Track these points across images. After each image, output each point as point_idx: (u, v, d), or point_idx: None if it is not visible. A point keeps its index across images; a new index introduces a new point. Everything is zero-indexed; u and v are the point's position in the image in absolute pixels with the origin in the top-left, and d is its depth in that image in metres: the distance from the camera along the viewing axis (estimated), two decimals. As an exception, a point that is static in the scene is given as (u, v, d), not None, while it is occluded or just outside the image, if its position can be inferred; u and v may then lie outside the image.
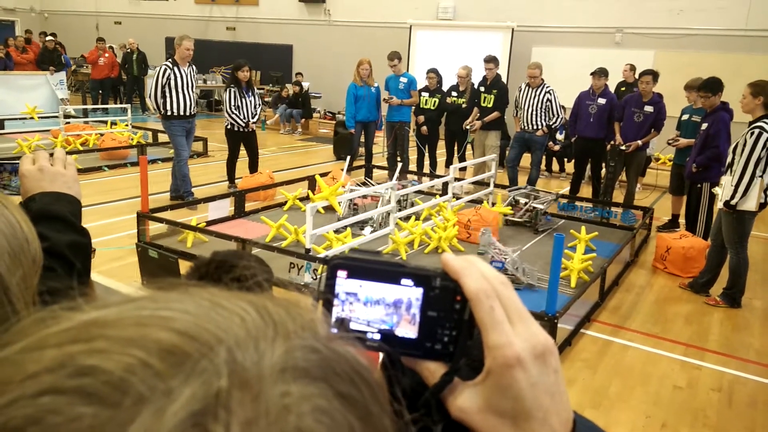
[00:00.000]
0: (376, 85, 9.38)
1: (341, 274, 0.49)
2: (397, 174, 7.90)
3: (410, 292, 0.49)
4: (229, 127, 8.22)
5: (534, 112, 8.66)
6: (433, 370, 0.49)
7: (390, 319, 0.49)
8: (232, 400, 0.29)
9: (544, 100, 8.59)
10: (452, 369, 0.49)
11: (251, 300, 0.36)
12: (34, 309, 0.69)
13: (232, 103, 8.06)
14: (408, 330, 0.49)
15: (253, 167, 8.64)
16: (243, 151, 8.48)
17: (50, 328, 0.33)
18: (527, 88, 8.74)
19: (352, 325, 0.49)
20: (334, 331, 0.38)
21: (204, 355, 0.31)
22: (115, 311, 0.34)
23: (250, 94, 8.20)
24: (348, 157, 8.40)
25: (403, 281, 0.49)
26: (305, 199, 7.48)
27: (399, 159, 9.63)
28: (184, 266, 4.47)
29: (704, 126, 6.61)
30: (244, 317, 0.34)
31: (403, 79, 9.47)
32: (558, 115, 8.71)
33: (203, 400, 0.29)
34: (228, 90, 8.11)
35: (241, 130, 8.19)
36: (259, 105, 8.47)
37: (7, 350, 0.32)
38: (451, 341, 0.49)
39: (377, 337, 0.49)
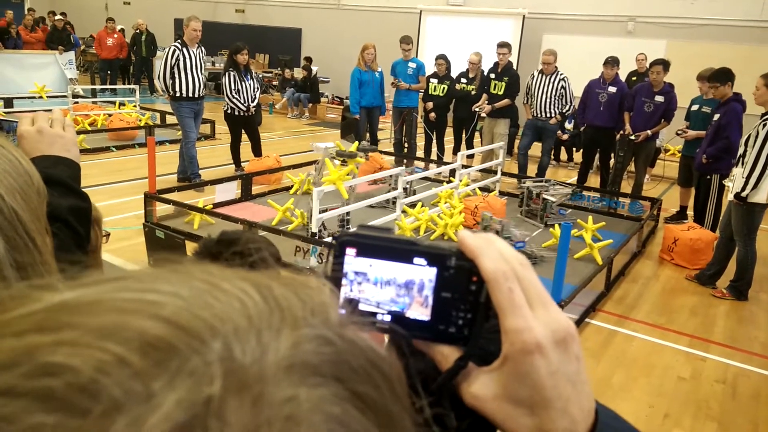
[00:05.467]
0: (380, 69, 9.28)
1: (350, 251, 0.46)
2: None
3: (423, 272, 0.46)
4: (228, 111, 8.14)
5: (548, 100, 8.60)
6: (447, 354, 0.47)
7: (401, 301, 0.47)
8: (227, 407, 0.25)
9: (559, 87, 8.53)
10: (467, 353, 0.46)
11: (254, 280, 0.31)
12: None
13: (232, 87, 7.98)
14: (420, 312, 0.47)
15: (257, 151, 8.59)
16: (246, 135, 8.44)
17: (12, 312, 0.27)
18: (540, 75, 8.66)
19: (361, 307, 0.46)
20: (343, 312, 0.33)
21: (195, 350, 0.26)
22: (91, 293, 0.28)
23: (249, 77, 8.14)
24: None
25: (416, 260, 0.46)
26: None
27: (405, 145, 9.59)
28: (191, 247, 4.48)
29: (716, 117, 6.54)
30: (244, 301, 0.29)
31: (412, 65, 9.39)
32: (570, 103, 8.66)
33: (191, 408, 0.24)
34: (227, 74, 8.03)
35: (242, 114, 8.13)
36: (258, 88, 8.39)
37: None
38: (465, 324, 0.47)
39: (387, 319, 0.47)
